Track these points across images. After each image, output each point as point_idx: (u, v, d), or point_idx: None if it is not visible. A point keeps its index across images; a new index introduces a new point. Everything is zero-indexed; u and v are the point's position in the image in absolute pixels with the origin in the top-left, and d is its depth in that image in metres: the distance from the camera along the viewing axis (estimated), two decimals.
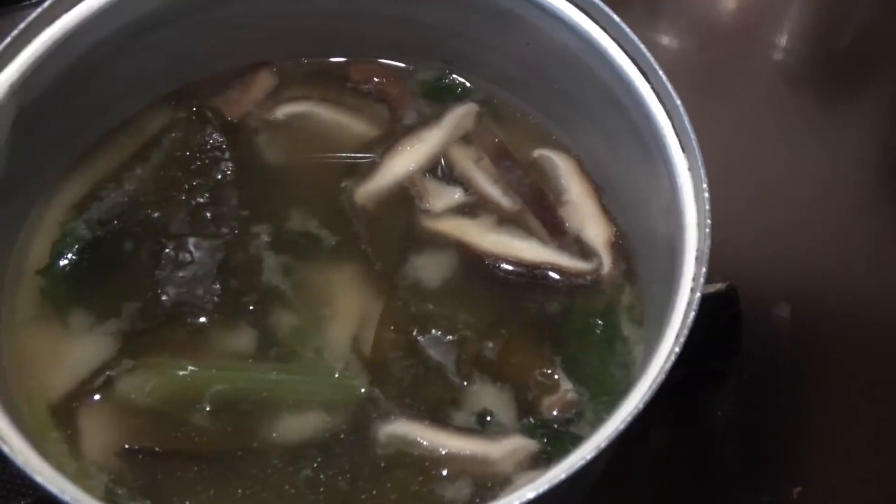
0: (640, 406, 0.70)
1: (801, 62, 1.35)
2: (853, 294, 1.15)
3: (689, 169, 0.80)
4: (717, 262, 0.76)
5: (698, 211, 0.78)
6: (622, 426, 0.69)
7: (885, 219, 1.21)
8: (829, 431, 1.07)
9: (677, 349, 0.72)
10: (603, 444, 0.69)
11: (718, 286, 1.02)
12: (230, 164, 0.94)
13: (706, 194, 0.78)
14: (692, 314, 0.73)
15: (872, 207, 1.22)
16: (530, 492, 0.67)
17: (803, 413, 1.07)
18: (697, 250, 0.76)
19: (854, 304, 1.14)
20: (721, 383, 1.09)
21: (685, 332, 0.72)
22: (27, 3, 1.18)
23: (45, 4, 0.84)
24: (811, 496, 1.02)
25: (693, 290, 0.74)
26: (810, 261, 1.17)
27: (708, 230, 0.77)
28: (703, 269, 0.75)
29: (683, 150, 0.81)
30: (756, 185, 1.20)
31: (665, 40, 1.34)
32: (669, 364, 0.71)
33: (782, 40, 1.35)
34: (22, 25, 0.83)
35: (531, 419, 0.84)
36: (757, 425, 1.07)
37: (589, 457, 0.68)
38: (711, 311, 0.95)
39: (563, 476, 0.68)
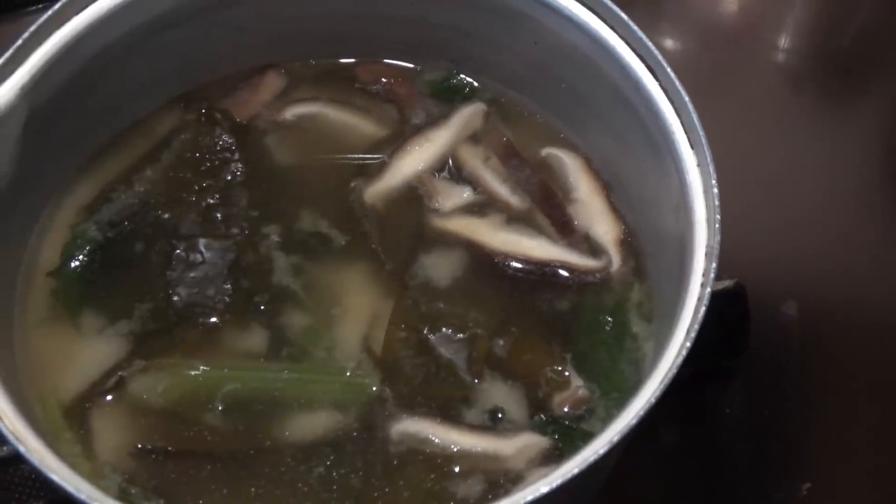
0: (652, 401, 0.70)
1: (804, 62, 1.35)
2: (860, 292, 1.15)
3: (698, 165, 0.80)
4: (723, 260, 0.76)
5: (707, 207, 0.78)
6: (634, 421, 0.70)
7: (890, 218, 1.21)
8: (836, 429, 1.07)
9: (688, 344, 0.72)
10: (615, 439, 0.69)
11: (726, 283, 1.02)
12: (240, 165, 0.94)
13: (715, 190, 0.78)
14: (703, 309, 0.73)
15: (877, 206, 1.22)
16: (544, 486, 0.67)
17: (811, 411, 1.07)
18: (707, 246, 0.77)
19: (861, 303, 1.14)
20: (729, 381, 1.09)
21: (696, 327, 0.73)
22: (35, 7, 1.18)
23: (56, 7, 0.84)
24: (819, 493, 1.02)
25: (703, 286, 0.75)
26: (817, 259, 1.17)
27: (717, 226, 0.77)
28: (713, 265, 0.75)
29: (692, 147, 0.81)
30: (761, 185, 1.20)
31: (668, 42, 1.34)
32: (680, 359, 0.72)
33: (785, 41, 1.35)
34: (32, 28, 0.83)
35: (542, 416, 0.84)
36: (765, 423, 1.07)
37: (602, 451, 0.69)
38: (719, 309, 0.95)
39: (576, 470, 0.68)
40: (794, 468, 1.04)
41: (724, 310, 1.00)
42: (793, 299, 1.12)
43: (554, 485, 0.67)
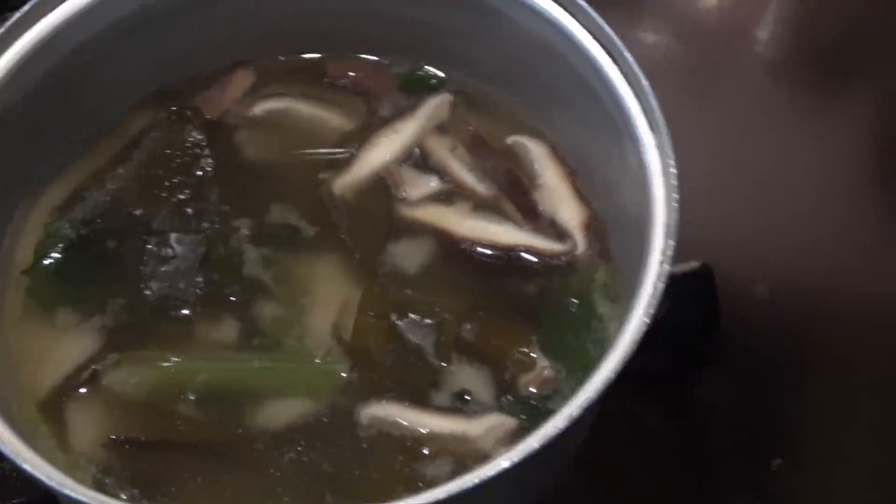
0: (612, 377, 0.71)
1: (791, 58, 1.35)
2: (841, 281, 1.15)
3: (657, 146, 0.81)
4: (714, 257, 0.77)
5: (666, 186, 0.79)
6: (594, 395, 0.70)
7: (880, 212, 1.21)
8: (833, 421, 1.07)
9: (647, 319, 0.73)
10: (576, 413, 0.70)
11: (692, 264, 1.03)
12: (210, 161, 0.95)
13: (672, 170, 0.79)
14: (661, 286, 0.74)
15: (866, 201, 1.22)
16: (505, 461, 0.68)
17: (787, 390, 1.08)
18: (665, 224, 0.78)
19: (839, 289, 1.15)
20: (703, 365, 1.10)
21: (654, 302, 0.74)
22: (6, 16, 1.19)
23: (25, 8, 0.86)
24: (792, 469, 1.02)
25: (661, 263, 0.76)
26: (807, 254, 1.17)
27: (675, 204, 0.78)
28: (672, 242, 0.76)
29: (651, 130, 0.82)
30: (747, 181, 1.20)
31: (650, 38, 1.35)
32: (640, 335, 0.73)
33: (768, 35, 1.36)
34: (1, 30, 0.85)
35: (509, 397, 0.85)
36: (741, 404, 1.08)
37: (562, 426, 0.69)
38: (690, 290, 0.97)
39: (536, 445, 0.68)
40: (771, 447, 1.05)
41: (693, 291, 1.01)
42: (763, 282, 1.13)
43: (515, 459, 0.68)
